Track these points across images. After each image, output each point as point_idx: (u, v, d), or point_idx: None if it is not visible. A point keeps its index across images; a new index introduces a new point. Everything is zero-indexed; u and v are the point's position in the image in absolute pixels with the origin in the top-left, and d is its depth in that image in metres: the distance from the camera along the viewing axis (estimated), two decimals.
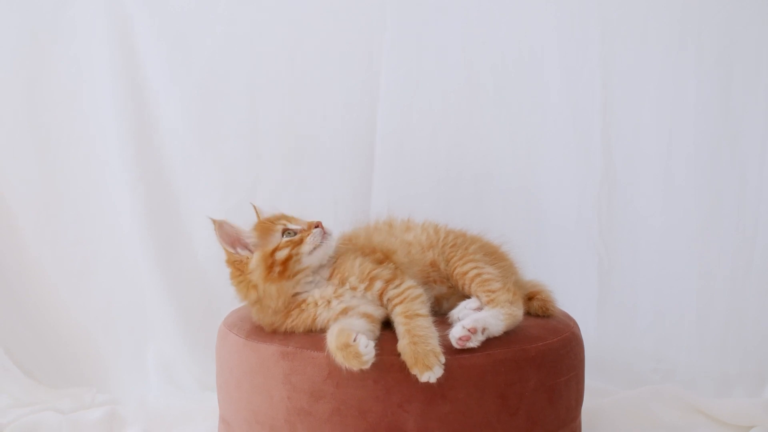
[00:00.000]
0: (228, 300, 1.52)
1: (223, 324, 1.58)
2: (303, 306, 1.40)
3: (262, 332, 1.43)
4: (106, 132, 2.26)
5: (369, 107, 2.30)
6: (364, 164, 2.32)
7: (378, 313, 1.39)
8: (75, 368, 2.23)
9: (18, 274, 2.25)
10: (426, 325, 1.29)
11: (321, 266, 1.43)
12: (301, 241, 1.40)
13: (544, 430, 1.39)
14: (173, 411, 1.97)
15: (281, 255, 1.39)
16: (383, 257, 1.48)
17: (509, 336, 1.38)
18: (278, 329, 1.42)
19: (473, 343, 1.30)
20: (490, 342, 1.33)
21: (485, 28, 2.27)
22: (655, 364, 2.22)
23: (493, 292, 1.42)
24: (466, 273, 1.48)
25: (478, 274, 1.46)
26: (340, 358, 1.23)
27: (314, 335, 1.35)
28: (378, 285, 1.39)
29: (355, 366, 1.22)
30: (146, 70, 2.26)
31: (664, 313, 2.25)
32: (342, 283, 1.41)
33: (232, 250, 1.43)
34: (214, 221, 1.41)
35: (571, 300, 1.75)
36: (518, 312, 1.42)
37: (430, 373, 1.21)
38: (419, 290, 1.39)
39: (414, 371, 1.22)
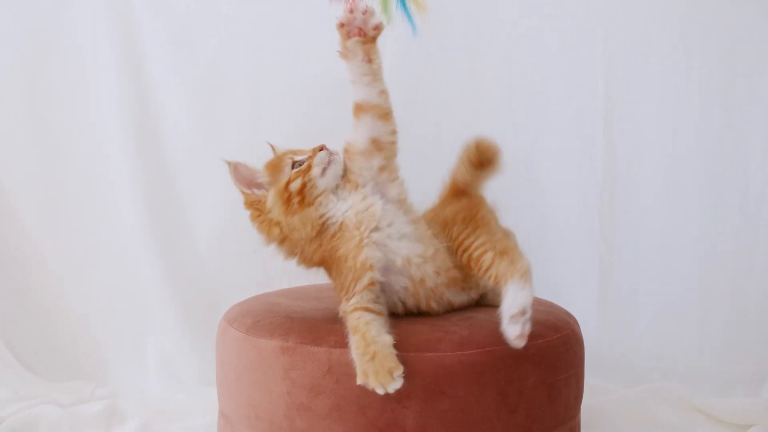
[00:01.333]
0: (229, 295, 1.52)
1: (223, 319, 1.58)
2: (338, 234, 1.38)
3: (262, 327, 1.43)
4: (108, 126, 2.26)
5: None
6: None
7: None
8: (75, 362, 2.23)
9: (18, 267, 2.26)
10: None
11: (337, 186, 1.42)
12: (309, 167, 1.40)
13: (543, 428, 1.39)
14: (173, 405, 1.98)
15: (295, 186, 1.38)
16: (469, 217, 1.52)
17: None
18: (321, 260, 1.42)
19: (526, 328, 1.24)
20: (489, 339, 1.32)
21: (487, 27, 2.27)
22: (655, 363, 2.22)
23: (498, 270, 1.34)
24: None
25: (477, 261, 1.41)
26: (368, 369, 1.18)
27: (315, 331, 1.35)
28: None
29: (380, 384, 1.17)
30: (149, 67, 2.27)
31: (664, 311, 2.25)
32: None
33: (248, 191, 1.44)
34: (228, 163, 1.42)
35: (571, 298, 1.76)
36: (524, 262, 1.33)
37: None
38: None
39: None
